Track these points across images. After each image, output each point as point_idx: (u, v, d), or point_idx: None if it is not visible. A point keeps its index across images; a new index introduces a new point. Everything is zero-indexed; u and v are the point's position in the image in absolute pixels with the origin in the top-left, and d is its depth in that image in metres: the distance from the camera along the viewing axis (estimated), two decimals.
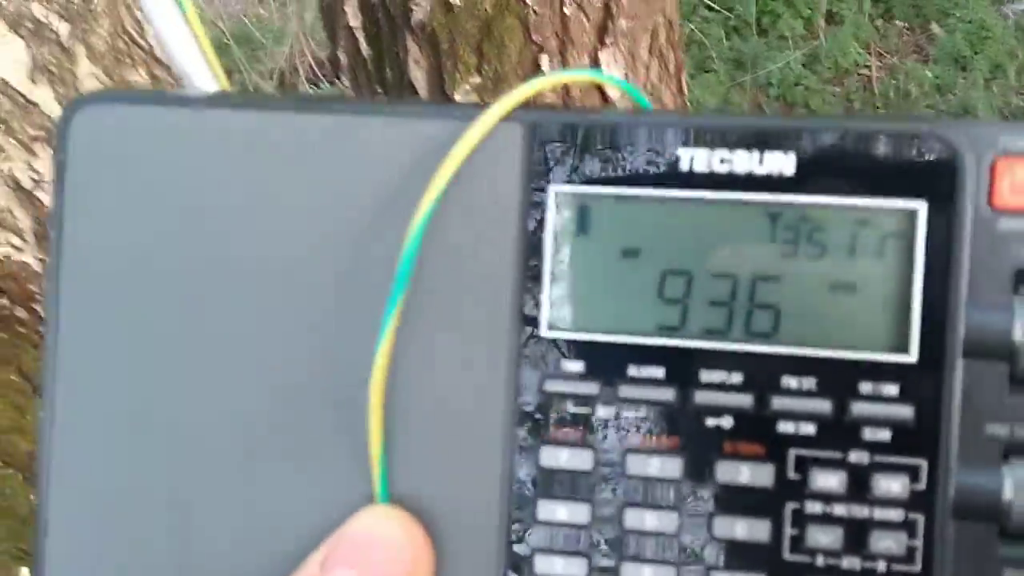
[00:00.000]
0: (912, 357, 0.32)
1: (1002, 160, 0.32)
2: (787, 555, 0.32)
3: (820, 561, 0.32)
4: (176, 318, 0.36)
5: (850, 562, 0.32)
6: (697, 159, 0.34)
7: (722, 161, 0.34)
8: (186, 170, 0.36)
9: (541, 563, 0.34)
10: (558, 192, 0.34)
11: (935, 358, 0.32)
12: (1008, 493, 0.31)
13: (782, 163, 0.33)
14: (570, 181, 0.34)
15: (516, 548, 0.34)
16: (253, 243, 0.36)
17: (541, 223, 0.34)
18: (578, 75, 0.34)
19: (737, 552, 0.33)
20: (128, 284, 0.36)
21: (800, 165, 0.33)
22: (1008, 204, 0.32)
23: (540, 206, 0.34)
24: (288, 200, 0.36)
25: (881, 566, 0.32)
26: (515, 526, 0.34)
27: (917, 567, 0.32)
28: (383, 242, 0.35)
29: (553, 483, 0.34)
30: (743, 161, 0.33)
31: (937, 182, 0.32)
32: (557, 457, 0.34)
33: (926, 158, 0.32)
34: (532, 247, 0.34)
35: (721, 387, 0.33)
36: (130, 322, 0.36)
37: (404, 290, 0.33)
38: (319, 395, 0.35)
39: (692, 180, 0.34)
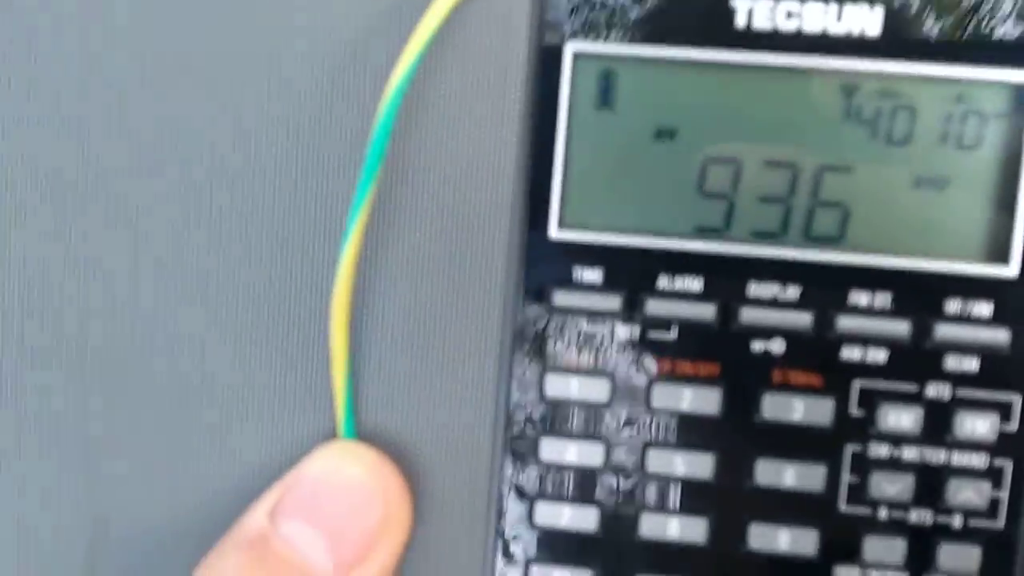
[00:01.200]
0: (1012, 270, 0.26)
1: None
2: (843, 507, 0.27)
3: (883, 514, 0.27)
4: (107, 215, 0.28)
5: (919, 516, 0.27)
6: (757, 12, 0.26)
7: (789, 15, 0.26)
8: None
9: (543, 512, 0.27)
10: (577, 52, 0.27)
11: None
12: None
13: (866, 20, 0.26)
14: (593, 36, 0.27)
15: (513, 493, 0.28)
16: (184, 109, 0.28)
17: (554, 92, 0.27)
18: None
19: (783, 502, 0.27)
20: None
21: (888, 23, 0.26)
22: None
23: (553, 69, 0.27)
24: (239, 52, 0.28)
25: (957, 521, 0.26)
26: (512, 468, 0.28)
27: (1000, 523, 0.26)
28: (355, 114, 0.27)
29: (560, 417, 0.27)
30: (816, 16, 0.26)
31: None
32: (566, 386, 0.27)
33: None
34: (541, 122, 0.27)
35: (773, 303, 0.27)
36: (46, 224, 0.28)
37: (376, 177, 0.26)
38: (277, 304, 0.28)
39: (748, 40, 0.26)
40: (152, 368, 0.28)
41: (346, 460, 0.27)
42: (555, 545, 0.28)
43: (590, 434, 0.27)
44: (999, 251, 0.26)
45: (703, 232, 0.27)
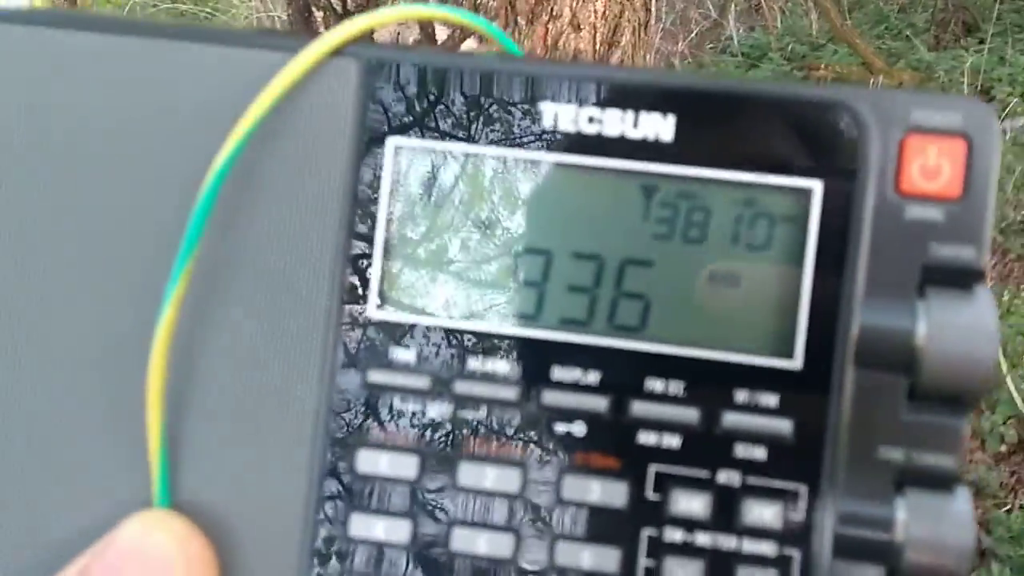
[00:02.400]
0: (796, 363, 0.27)
1: (913, 137, 0.27)
2: None
3: None
4: None
5: None
6: (562, 116, 0.28)
7: (591, 120, 0.28)
8: None
9: None
10: (399, 145, 0.29)
11: (822, 366, 0.27)
12: (900, 531, 0.27)
13: (659, 127, 0.28)
14: (414, 133, 0.29)
15: (321, 569, 0.28)
16: (38, 180, 0.30)
17: (376, 181, 0.29)
18: (432, 11, 0.28)
19: None
20: None
21: (680, 130, 0.28)
22: (917, 189, 0.27)
23: (375, 160, 0.29)
24: (83, 128, 0.29)
25: None
26: (321, 542, 0.28)
27: None
28: (184, 189, 0.29)
29: (370, 493, 0.28)
30: (615, 122, 0.28)
31: (837, 159, 0.27)
32: (377, 462, 0.28)
33: (825, 130, 0.28)
34: (363, 209, 0.29)
35: (575, 387, 0.28)
36: None
37: (193, 252, 0.27)
38: (99, 372, 0.29)
39: (556, 141, 0.28)
40: None
41: (154, 528, 0.27)
42: None
43: (398, 511, 0.28)
44: (784, 346, 0.27)
45: (514, 318, 0.28)
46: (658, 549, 0.27)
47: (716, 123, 0.28)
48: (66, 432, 0.29)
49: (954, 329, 0.27)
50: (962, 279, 0.27)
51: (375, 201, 0.29)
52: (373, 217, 0.29)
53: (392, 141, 0.29)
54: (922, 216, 0.27)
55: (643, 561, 0.27)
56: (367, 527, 0.28)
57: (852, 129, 0.27)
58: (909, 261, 0.27)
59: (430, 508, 0.28)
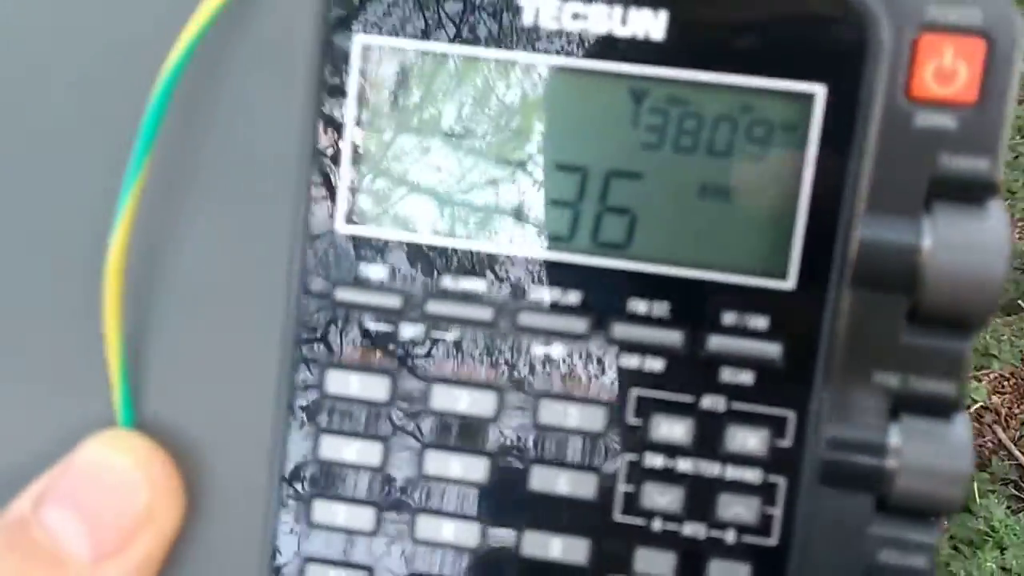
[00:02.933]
0: (789, 283, 0.26)
1: (928, 36, 0.25)
2: (618, 516, 0.26)
3: (656, 526, 0.26)
4: None
5: (692, 529, 0.26)
6: (544, 11, 0.26)
7: (575, 16, 0.26)
8: None
9: (320, 509, 0.27)
10: (366, 45, 0.26)
11: (817, 286, 0.26)
12: (892, 457, 0.25)
13: (650, 24, 0.26)
14: (383, 31, 0.26)
15: (289, 489, 0.27)
16: None
17: (341, 85, 0.27)
18: None
19: (558, 509, 0.26)
20: None
21: (672, 29, 0.26)
22: (929, 94, 0.25)
23: (341, 63, 0.27)
24: (37, 23, 0.27)
25: (729, 537, 0.26)
26: (290, 464, 0.27)
27: (773, 540, 0.26)
28: (139, 87, 0.27)
29: (339, 414, 0.27)
30: (601, 18, 0.26)
31: (842, 60, 0.25)
32: (346, 383, 0.27)
33: (830, 28, 0.25)
34: (328, 116, 0.27)
35: (554, 308, 0.26)
36: None
37: (148, 157, 0.26)
38: (57, 285, 0.28)
39: (536, 39, 0.26)
40: None
41: (114, 449, 0.26)
42: (330, 544, 0.27)
43: (369, 434, 0.27)
44: (777, 265, 0.26)
45: (491, 234, 0.27)
46: (638, 475, 0.26)
47: (711, 20, 0.25)
48: (24, 348, 0.28)
49: (961, 245, 0.25)
50: (973, 193, 0.25)
51: (341, 105, 0.27)
52: (339, 123, 0.27)
53: (359, 39, 0.26)
54: (933, 124, 0.25)
55: (622, 487, 0.26)
56: (338, 449, 0.27)
57: (860, 27, 0.25)
58: (916, 173, 0.25)
59: (401, 431, 0.27)
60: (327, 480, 0.27)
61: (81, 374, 0.28)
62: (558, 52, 0.26)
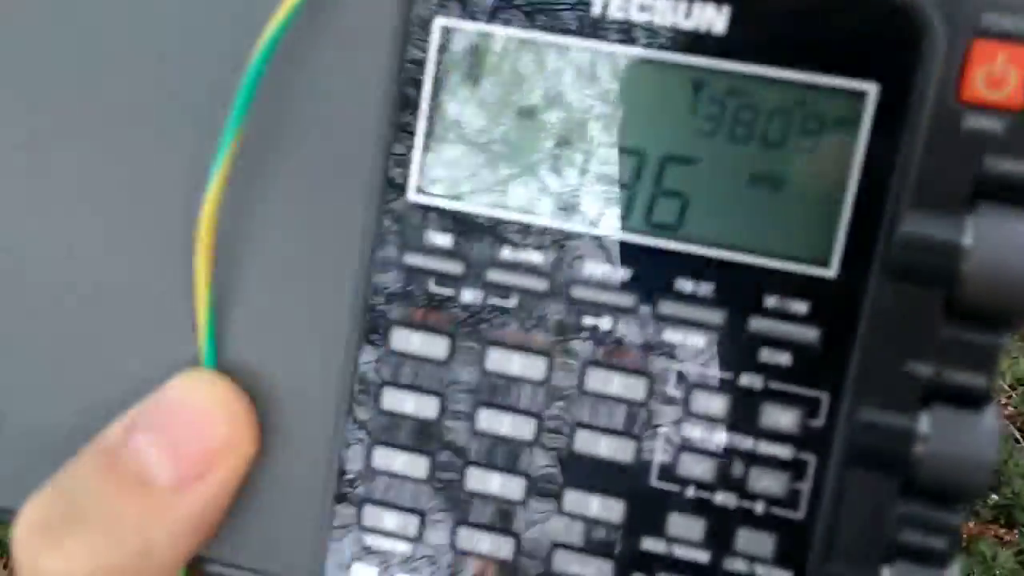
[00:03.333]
0: (831, 272, 0.27)
1: (981, 43, 0.26)
2: (654, 481, 0.28)
3: (690, 492, 0.28)
4: None
5: (724, 498, 0.28)
6: (613, 3, 0.28)
7: (642, 8, 0.27)
8: None
9: (380, 456, 0.29)
10: (446, 27, 0.28)
11: (858, 276, 0.27)
12: (920, 444, 0.27)
13: (712, 18, 0.27)
14: (462, 14, 0.28)
15: (352, 435, 0.30)
16: (73, 43, 0.30)
17: (420, 64, 0.29)
18: None
19: (597, 471, 0.28)
20: None
21: (733, 23, 0.27)
22: (979, 97, 0.26)
23: (421, 43, 0.29)
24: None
25: (759, 507, 0.28)
26: (356, 411, 0.30)
27: (800, 514, 0.27)
28: (231, 58, 0.29)
29: (402, 369, 0.29)
30: (666, 10, 0.27)
31: (897, 61, 0.26)
32: (409, 341, 0.29)
33: (886, 30, 0.26)
34: (407, 93, 0.29)
35: (605, 282, 0.28)
36: None
37: (242, 122, 0.28)
38: (151, 234, 0.31)
39: (605, 29, 0.28)
40: (39, 278, 0.31)
41: (198, 386, 0.29)
42: (388, 488, 0.30)
43: (428, 389, 0.29)
44: (821, 253, 0.27)
45: (551, 210, 0.28)
46: (674, 444, 0.28)
47: (772, 17, 0.27)
48: (118, 293, 0.31)
49: (1002, 245, 0.26)
50: (1017, 195, 0.26)
51: (419, 83, 0.29)
52: (417, 99, 0.29)
53: (439, 21, 0.28)
54: (980, 126, 0.26)
55: (659, 455, 0.28)
56: (398, 401, 0.29)
57: (915, 29, 0.26)
58: (962, 173, 0.26)
59: (457, 388, 0.29)
60: (387, 428, 0.29)
61: (172, 319, 0.30)
62: (624, 42, 0.28)
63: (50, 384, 0.31)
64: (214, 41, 0.29)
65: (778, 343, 0.27)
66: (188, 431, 0.28)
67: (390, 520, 0.30)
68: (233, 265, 0.30)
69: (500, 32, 0.28)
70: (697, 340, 0.28)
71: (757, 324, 0.27)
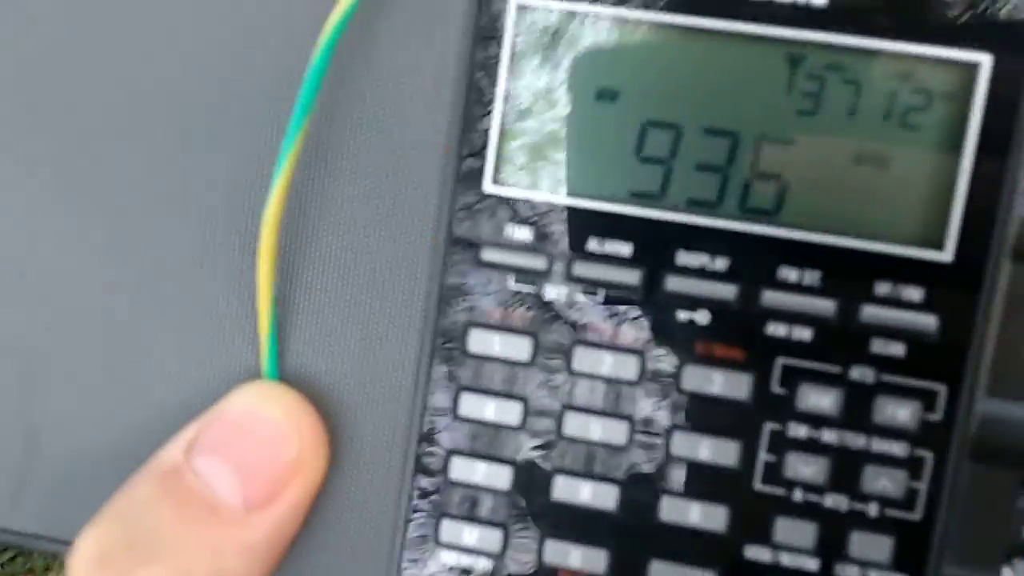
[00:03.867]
0: (947, 255, 0.25)
1: None
2: (758, 485, 0.26)
3: (798, 496, 0.26)
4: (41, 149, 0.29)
5: (835, 501, 0.26)
6: None
7: None
8: None
9: (458, 466, 0.27)
10: (520, 5, 0.26)
11: (976, 259, 0.25)
12: None
13: None
14: None
15: (428, 447, 0.28)
16: (124, 53, 0.28)
17: (495, 46, 0.27)
18: None
19: (698, 476, 0.27)
20: None
21: None
22: None
23: (495, 23, 0.27)
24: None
25: (872, 510, 0.26)
26: (429, 421, 0.28)
27: (917, 515, 0.26)
28: (290, 57, 0.27)
29: (481, 373, 0.27)
30: None
31: (1010, 30, 0.24)
32: (488, 343, 0.27)
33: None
34: (481, 77, 0.27)
35: (701, 273, 0.26)
36: None
37: (307, 117, 0.26)
38: (209, 240, 0.28)
39: (692, 2, 0.26)
40: (90, 287, 0.29)
41: (264, 400, 0.27)
42: (465, 502, 0.28)
43: (509, 393, 0.27)
44: (935, 236, 0.25)
45: (637, 197, 0.27)
46: (781, 444, 0.26)
47: None
48: (169, 298, 0.29)
49: None
50: None
51: (494, 65, 0.27)
52: (492, 83, 0.27)
53: (514, 1, 0.26)
54: None
55: (764, 456, 0.26)
56: (478, 408, 0.27)
57: None
58: None
59: (542, 392, 0.27)
60: (466, 437, 0.27)
61: (229, 327, 0.28)
62: (714, 15, 0.26)
63: (94, 399, 0.29)
64: (272, 36, 0.27)
65: (891, 333, 0.25)
66: (257, 449, 0.26)
67: (470, 535, 0.28)
68: (295, 269, 0.28)
69: (579, 8, 0.26)
70: (803, 332, 0.26)
71: (869, 313, 0.25)
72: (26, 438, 0.30)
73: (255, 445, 0.26)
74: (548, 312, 0.27)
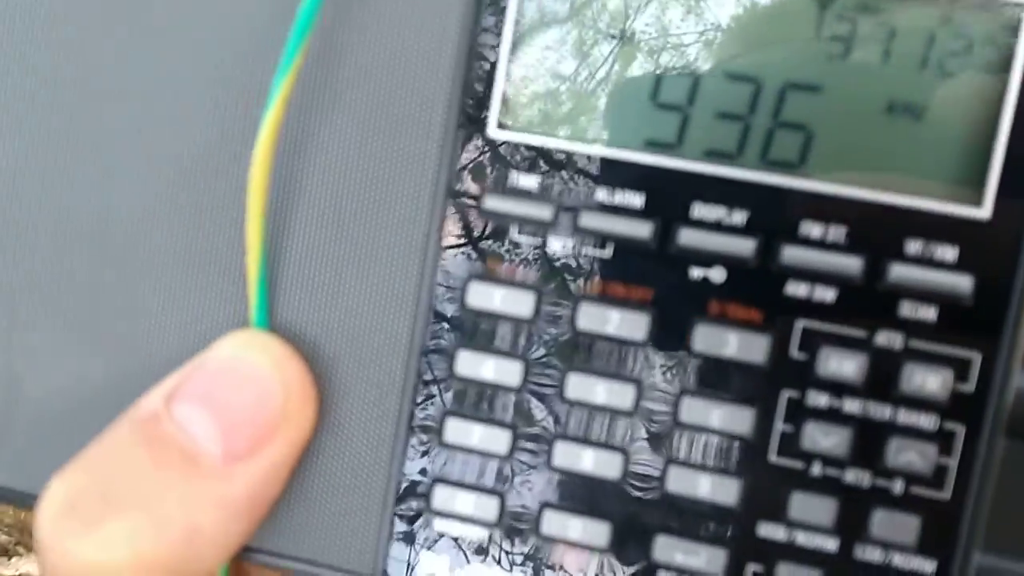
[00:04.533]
0: (984, 211, 0.23)
1: None
2: (773, 456, 0.24)
3: (816, 470, 0.24)
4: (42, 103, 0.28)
5: (856, 476, 0.24)
6: None
7: None
8: None
9: (453, 429, 0.26)
10: None
11: (1016, 216, 0.23)
12: None
13: None
14: None
15: (422, 408, 0.26)
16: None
17: None
18: None
19: (708, 446, 0.25)
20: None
21: None
22: None
23: None
24: None
25: (897, 487, 0.24)
26: (426, 376, 0.26)
27: (945, 493, 0.24)
28: None
29: (480, 329, 0.26)
30: None
31: None
32: (489, 297, 0.26)
33: None
34: (485, 15, 0.25)
35: (717, 227, 0.25)
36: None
37: (302, 45, 0.25)
38: (199, 184, 0.27)
39: None
40: (76, 235, 0.28)
41: (251, 349, 0.26)
42: (462, 466, 0.26)
43: (510, 352, 0.26)
44: (971, 190, 0.23)
45: (652, 145, 0.25)
46: (799, 413, 0.24)
47: None
48: (154, 244, 0.27)
49: None
50: None
51: (500, 4, 0.25)
52: (499, 19, 0.25)
53: None
54: None
55: (780, 425, 0.24)
56: (476, 364, 0.26)
57: None
58: None
59: (544, 351, 0.25)
60: (463, 398, 0.26)
61: (216, 274, 0.27)
62: None
63: (76, 345, 0.28)
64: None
65: (922, 295, 0.24)
66: (240, 399, 0.25)
67: (464, 503, 0.26)
68: (286, 217, 0.27)
69: None
70: (826, 293, 0.24)
71: (899, 272, 0.23)
72: (7, 385, 0.28)
73: (238, 394, 0.25)
74: (552, 265, 0.25)
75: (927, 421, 0.24)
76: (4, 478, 0.29)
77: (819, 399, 0.24)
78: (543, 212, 0.25)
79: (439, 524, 0.26)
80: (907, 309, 0.24)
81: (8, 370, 0.28)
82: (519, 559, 0.26)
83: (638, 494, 0.25)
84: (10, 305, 0.28)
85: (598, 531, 0.25)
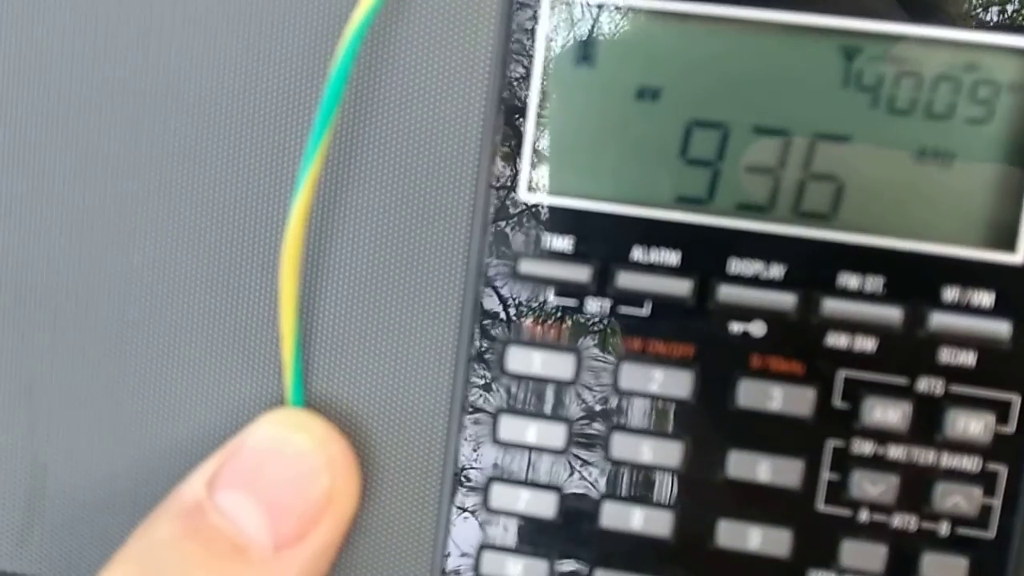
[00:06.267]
0: (1018, 257, 0.24)
1: None
2: (821, 506, 0.25)
3: (863, 516, 0.25)
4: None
5: (903, 520, 0.24)
6: None
7: None
8: None
9: (498, 494, 0.26)
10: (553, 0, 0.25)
11: None
12: None
13: None
14: None
15: (467, 472, 0.26)
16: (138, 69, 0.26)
17: (529, 41, 0.25)
18: None
19: (757, 498, 0.25)
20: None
21: None
22: None
23: (528, 19, 0.25)
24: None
25: (943, 528, 0.24)
26: (466, 445, 0.26)
27: (991, 533, 0.24)
28: (314, 59, 0.25)
29: (522, 394, 0.26)
30: None
31: None
32: (528, 361, 0.25)
33: None
34: (513, 77, 0.25)
35: (755, 281, 0.25)
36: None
37: (329, 127, 0.24)
38: (230, 262, 0.27)
39: None
40: (98, 316, 0.27)
41: (291, 429, 0.25)
42: (507, 532, 0.26)
43: (552, 414, 0.26)
44: (1004, 236, 0.24)
45: (684, 202, 0.25)
46: (845, 462, 0.25)
47: None
48: (191, 324, 0.27)
49: None
50: None
51: (528, 63, 0.25)
52: (525, 83, 0.25)
53: None
54: None
55: (827, 475, 0.25)
56: (519, 431, 0.26)
57: None
58: None
59: (587, 412, 0.25)
60: (506, 465, 0.26)
61: (248, 351, 0.27)
62: (764, 5, 0.24)
63: (104, 432, 0.27)
64: (295, 35, 0.26)
65: (961, 341, 0.24)
66: (285, 483, 0.24)
67: (514, 567, 0.26)
68: (319, 289, 0.26)
69: (616, 1, 0.24)
70: (866, 343, 0.24)
71: (939, 320, 0.24)
72: (33, 475, 0.28)
73: (283, 478, 0.24)
74: (592, 327, 0.25)
75: (970, 463, 0.24)
76: (34, 568, 0.28)
77: (864, 447, 0.24)
78: (578, 274, 0.25)
79: None
80: (946, 355, 0.24)
81: (33, 458, 0.28)
82: None
83: (691, 548, 0.25)
84: (33, 392, 0.27)
85: None
